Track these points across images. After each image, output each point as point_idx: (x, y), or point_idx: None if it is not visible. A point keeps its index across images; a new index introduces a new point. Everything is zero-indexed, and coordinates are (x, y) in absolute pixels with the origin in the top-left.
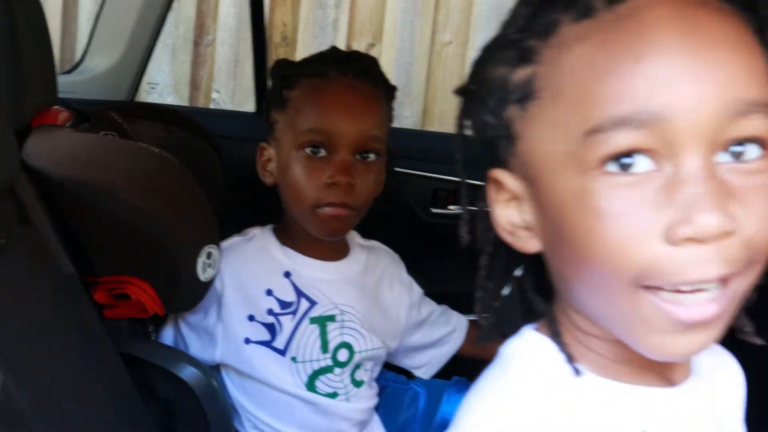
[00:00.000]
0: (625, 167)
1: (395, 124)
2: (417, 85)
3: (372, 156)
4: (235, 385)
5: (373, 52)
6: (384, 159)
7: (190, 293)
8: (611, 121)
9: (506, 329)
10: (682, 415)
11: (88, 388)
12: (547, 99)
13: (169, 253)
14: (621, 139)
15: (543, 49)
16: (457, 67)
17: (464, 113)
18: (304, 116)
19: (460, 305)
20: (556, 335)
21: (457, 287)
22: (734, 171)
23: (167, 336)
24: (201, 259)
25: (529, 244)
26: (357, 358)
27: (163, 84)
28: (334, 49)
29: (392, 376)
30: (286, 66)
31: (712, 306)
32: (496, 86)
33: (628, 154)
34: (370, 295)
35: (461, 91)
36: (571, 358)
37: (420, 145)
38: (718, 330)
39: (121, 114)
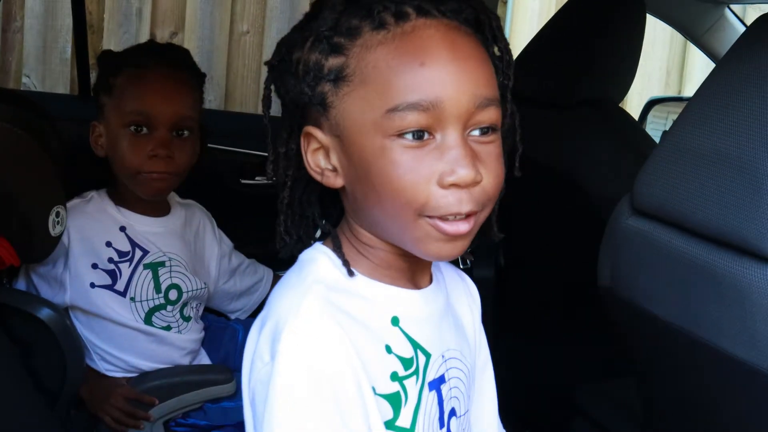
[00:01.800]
0: (413, 134)
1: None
2: (218, 71)
3: (186, 133)
4: (83, 325)
5: (175, 41)
6: (197, 134)
7: (42, 247)
8: (405, 104)
9: (303, 245)
10: (425, 308)
11: None
12: (357, 82)
13: (24, 212)
14: (411, 118)
15: (351, 46)
16: (255, 55)
17: (272, 81)
18: (128, 100)
19: (266, 263)
20: (337, 247)
21: (263, 248)
22: (476, 141)
23: (20, 286)
24: (51, 217)
25: (336, 181)
26: (185, 297)
27: None
28: (151, 42)
29: (213, 318)
30: (111, 56)
31: (466, 225)
32: (312, 68)
33: (416, 127)
34: (190, 244)
35: (270, 65)
36: (347, 263)
37: (226, 124)
38: (467, 241)
39: None
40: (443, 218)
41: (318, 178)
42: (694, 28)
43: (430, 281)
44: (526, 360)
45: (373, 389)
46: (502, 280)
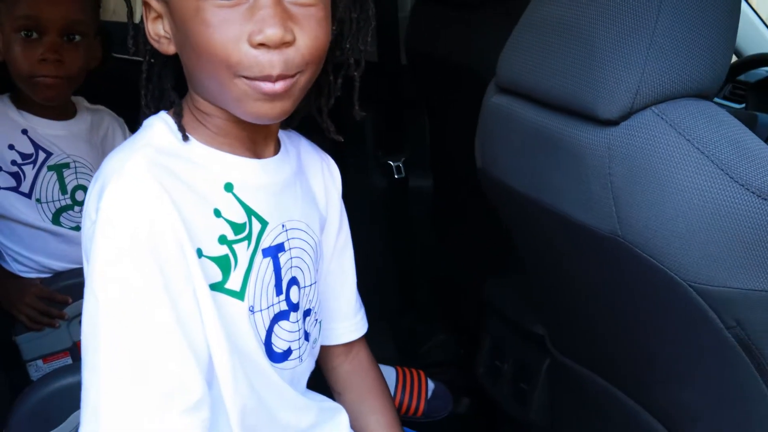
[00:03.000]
0: None
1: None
2: None
3: (77, 37)
4: None
5: None
6: (92, 39)
7: None
8: None
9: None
10: (264, 177)
11: None
12: None
13: None
14: None
15: None
16: None
17: None
18: (18, 5)
19: None
20: (177, 114)
21: None
22: (295, 3)
23: None
24: None
25: (169, 48)
26: None
27: None
28: None
29: None
30: None
31: (281, 85)
32: None
33: None
34: (97, 147)
35: None
36: (182, 129)
37: None
38: (288, 102)
39: None
40: (260, 80)
41: (156, 45)
42: None
43: (277, 152)
44: (458, 260)
45: (199, 251)
46: (437, 186)
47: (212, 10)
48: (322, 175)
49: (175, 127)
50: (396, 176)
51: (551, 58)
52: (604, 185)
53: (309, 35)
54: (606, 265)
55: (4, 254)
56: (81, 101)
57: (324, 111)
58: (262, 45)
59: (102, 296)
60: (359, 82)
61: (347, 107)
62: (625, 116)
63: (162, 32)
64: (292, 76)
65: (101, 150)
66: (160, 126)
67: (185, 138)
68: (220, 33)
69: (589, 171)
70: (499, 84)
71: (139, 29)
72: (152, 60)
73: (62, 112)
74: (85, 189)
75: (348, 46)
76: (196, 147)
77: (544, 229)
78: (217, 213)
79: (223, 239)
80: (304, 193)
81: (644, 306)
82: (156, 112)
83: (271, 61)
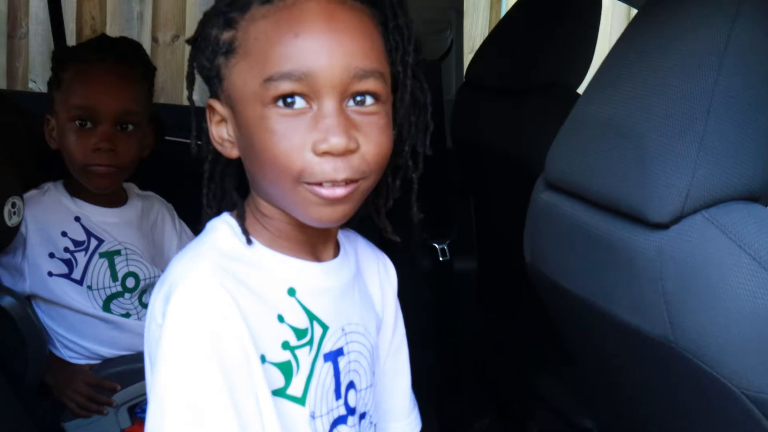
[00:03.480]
0: (288, 104)
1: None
2: None
3: (131, 126)
4: (44, 313)
5: (177, 44)
6: (144, 127)
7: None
8: (279, 74)
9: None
10: (325, 281)
11: None
12: (242, 54)
13: None
14: (284, 86)
15: (240, 20)
16: None
17: (191, 59)
18: (73, 94)
19: None
20: (240, 217)
21: None
22: (357, 112)
23: None
24: (7, 208)
25: (232, 152)
26: (142, 284)
27: None
28: (101, 36)
29: None
30: (60, 51)
31: (342, 190)
32: (211, 42)
33: (290, 95)
34: (147, 234)
35: (190, 41)
36: (246, 232)
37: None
38: (349, 206)
39: None
40: (320, 184)
41: (219, 148)
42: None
43: (336, 255)
44: (504, 347)
45: (263, 357)
46: (482, 270)
47: (277, 119)
48: (378, 275)
49: (238, 230)
50: (441, 258)
51: (601, 157)
52: (655, 289)
53: (372, 142)
54: (657, 368)
55: (54, 340)
56: (132, 188)
57: (381, 212)
58: (326, 153)
59: (167, 401)
60: (417, 185)
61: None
62: (676, 220)
63: (226, 136)
64: (356, 181)
65: (151, 237)
66: (224, 229)
67: (249, 242)
68: (284, 141)
69: (641, 274)
70: (549, 180)
71: (202, 130)
72: (215, 161)
73: (114, 199)
74: (135, 275)
75: (407, 148)
76: (259, 250)
77: (595, 329)
78: (281, 319)
79: (286, 345)
80: (362, 295)
81: (695, 409)
82: (217, 211)
83: (336, 167)
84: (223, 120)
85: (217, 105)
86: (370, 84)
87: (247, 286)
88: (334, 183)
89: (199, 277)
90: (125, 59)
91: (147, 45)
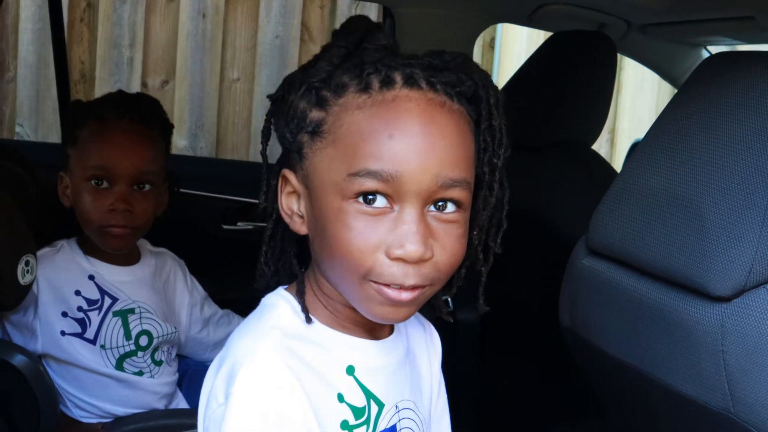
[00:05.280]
0: (369, 201)
1: (193, 154)
2: (209, 118)
3: (147, 186)
4: (55, 373)
5: (167, 89)
6: (160, 186)
7: (13, 295)
8: (366, 171)
9: (280, 281)
10: (382, 359)
11: None
12: (330, 140)
13: None
14: (369, 184)
15: (333, 103)
16: (246, 102)
17: (272, 114)
18: (89, 154)
19: (252, 307)
20: (300, 293)
21: (247, 292)
22: (437, 218)
23: None
24: (20, 266)
25: (301, 228)
26: (155, 342)
27: None
28: (119, 93)
29: (193, 361)
30: (76, 107)
31: (408, 295)
32: (297, 115)
33: (373, 194)
34: (160, 291)
35: (271, 99)
36: (306, 310)
37: (215, 170)
38: (412, 309)
39: None
40: (387, 285)
41: (287, 220)
42: (672, 70)
43: (391, 332)
44: (507, 400)
45: None
46: (485, 322)
47: (356, 215)
48: (426, 346)
49: (298, 307)
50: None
51: (653, 227)
52: (716, 362)
53: (448, 252)
54: None
55: (66, 400)
56: (145, 244)
57: (440, 294)
58: (399, 259)
59: None
60: (485, 278)
61: None
62: (738, 293)
63: (296, 209)
64: (423, 287)
65: (164, 294)
66: (284, 307)
67: (309, 320)
68: (359, 239)
69: (700, 346)
70: (592, 247)
71: (271, 186)
72: (279, 219)
73: (128, 257)
74: (148, 333)
75: (477, 242)
76: (318, 329)
77: (642, 396)
78: (341, 398)
79: (345, 425)
80: (413, 369)
81: None
82: (275, 271)
83: (406, 272)
84: (294, 192)
85: (291, 177)
86: (455, 193)
87: (308, 365)
88: (402, 287)
89: (264, 357)
90: (143, 118)
91: (136, 90)
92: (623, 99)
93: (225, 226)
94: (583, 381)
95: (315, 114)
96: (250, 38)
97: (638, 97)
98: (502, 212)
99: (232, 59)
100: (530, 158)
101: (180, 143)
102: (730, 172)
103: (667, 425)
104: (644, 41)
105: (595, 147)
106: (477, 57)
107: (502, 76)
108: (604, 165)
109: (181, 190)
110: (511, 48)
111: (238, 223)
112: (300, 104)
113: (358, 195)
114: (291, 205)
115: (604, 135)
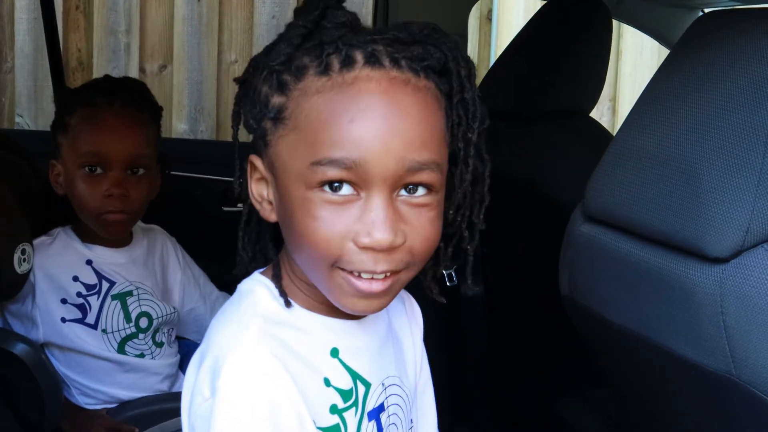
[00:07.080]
0: (334, 189)
1: (194, 137)
2: (209, 101)
3: (141, 170)
4: (58, 361)
5: (165, 74)
6: (154, 169)
7: (9, 284)
8: (327, 160)
9: (257, 266)
10: (364, 338)
11: None
12: (291, 127)
13: None
14: (332, 173)
15: (294, 88)
16: None
17: (240, 98)
18: (81, 141)
19: None
20: (277, 278)
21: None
22: (407, 203)
23: None
24: (17, 255)
25: (271, 215)
26: (156, 323)
27: None
28: (105, 78)
29: (194, 344)
30: (66, 94)
31: (380, 285)
32: (260, 101)
33: (337, 182)
34: (155, 271)
35: (238, 82)
36: (284, 294)
37: (215, 153)
38: (387, 299)
39: None
40: (357, 274)
41: (258, 207)
42: (669, 35)
43: None
44: (515, 371)
45: (314, 422)
46: (490, 296)
47: (321, 204)
48: (408, 320)
49: (276, 292)
50: (448, 284)
51: (649, 190)
52: (716, 324)
53: (421, 236)
54: (715, 401)
55: (70, 387)
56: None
57: (429, 274)
58: (368, 248)
59: None
60: (473, 256)
61: None
62: (736, 254)
63: (266, 196)
64: (397, 272)
65: (159, 272)
66: (262, 292)
67: (288, 304)
68: (325, 229)
69: (700, 309)
70: (588, 213)
71: (244, 171)
72: (253, 206)
73: (122, 238)
74: (148, 315)
75: (460, 219)
76: (299, 313)
77: (644, 362)
78: (327, 382)
79: (334, 409)
80: (396, 344)
81: None
82: (252, 256)
83: (376, 260)
84: (263, 179)
85: (259, 164)
86: (424, 176)
87: (293, 351)
88: (373, 275)
89: (248, 348)
90: (133, 102)
91: (134, 76)
92: (623, 66)
93: (225, 208)
94: (588, 350)
95: (276, 99)
96: (247, 20)
97: (639, 64)
98: (484, 186)
99: (229, 41)
100: (528, 129)
101: (180, 127)
102: (724, 131)
103: (671, 390)
104: (640, 6)
105: (596, 115)
106: (474, 29)
107: (500, 49)
108: (603, 132)
109: (182, 173)
110: (509, 20)
111: (239, 204)
112: (263, 89)
113: (322, 184)
114: (261, 192)
115: (606, 103)
